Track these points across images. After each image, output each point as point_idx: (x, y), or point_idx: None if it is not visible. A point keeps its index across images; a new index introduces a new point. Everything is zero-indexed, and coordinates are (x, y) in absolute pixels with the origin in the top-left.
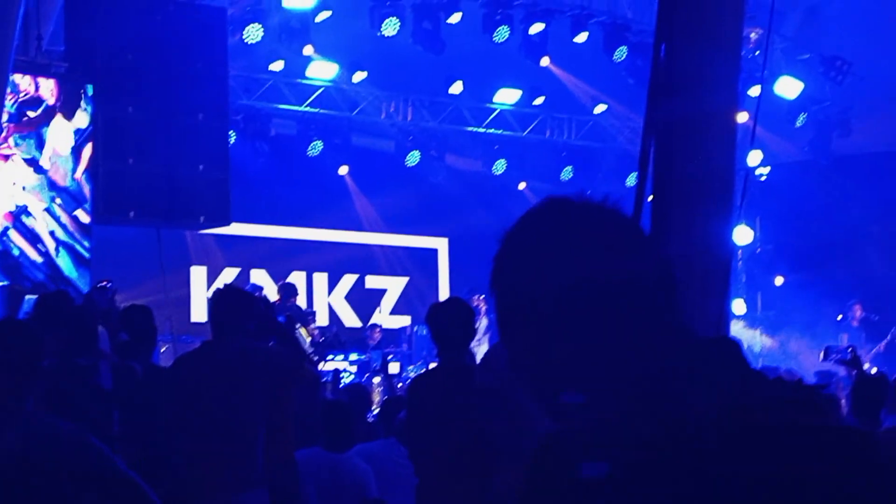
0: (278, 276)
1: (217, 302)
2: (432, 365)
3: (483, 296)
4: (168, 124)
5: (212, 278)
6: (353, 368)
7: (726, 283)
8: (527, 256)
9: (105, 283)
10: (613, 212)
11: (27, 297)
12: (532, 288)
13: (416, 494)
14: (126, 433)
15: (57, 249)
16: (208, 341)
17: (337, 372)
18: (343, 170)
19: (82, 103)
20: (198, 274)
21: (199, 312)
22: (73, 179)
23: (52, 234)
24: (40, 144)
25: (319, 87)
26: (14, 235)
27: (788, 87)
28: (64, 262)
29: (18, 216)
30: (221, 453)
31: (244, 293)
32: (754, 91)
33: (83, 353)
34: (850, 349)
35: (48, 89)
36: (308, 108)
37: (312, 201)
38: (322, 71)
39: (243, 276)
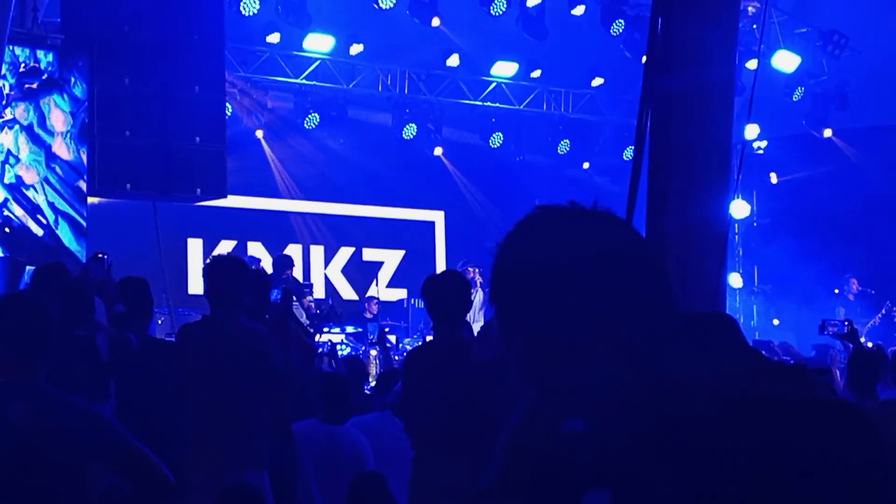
0: (275, 248)
1: (213, 273)
2: (429, 338)
3: (479, 269)
4: (164, 97)
5: (208, 251)
6: (350, 341)
7: (723, 256)
8: (522, 256)
9: (101, 254)
10: (605, 213)
11: (27, 268)
12: (528, 281)
13: (413, 467)
14: (123, 405)
15: (57, 221)
16: (208, 316)
17: (333, 344)
18: (340, 140)
19: (79, 75)
20: (194, 246)
21: (195, 285)
22: (75, 151)
23: (51, 205)
24: (41, 116)
25: (316, 59)
26: (14, 207)
27: (786, 61)
28: (64, 234)
29: (18, 187)
30: (223, 430)
31: (239, 262)
32: (752, 65)
33: (80, 325)
34: (846, 322)
35: (46, 61)
36: (305, 81)
37: (308, 174)
38: (319, 44)
39: (240, 249)
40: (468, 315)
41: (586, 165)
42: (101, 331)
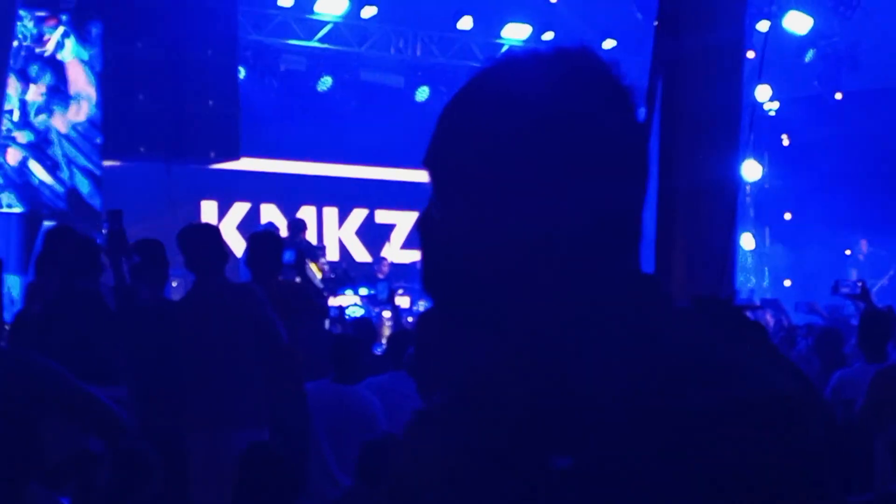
0: (288, 210)
1: (185, 243)
2: None
3: None
4: (177, 60)
5: (222, 213)
6: (363, 304)
7: (733, 217)
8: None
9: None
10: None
11: (45, 223)
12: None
13: None
14: (130, 356)
15: (75, 177)
16: (195, 281)
17: (342, 308)
18: (353, 103)
19: (92, 39)
20: (208, 209)
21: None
22: (95, 108)
23: (72, 161)
24: (62, 76)
25: (328, 22)
26: (34, 165)
27: (797, 22)
28: (84, 188)
29: (39, 144)
30: (217, 390)
31: (206, 227)
32: (763, 26)
33: (85, 279)
34: (859, 283)
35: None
36: (317, 44)
37: (322, 136)
38: (331, 6)
39: (253, 211)
40: None
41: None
42: (106, 284)
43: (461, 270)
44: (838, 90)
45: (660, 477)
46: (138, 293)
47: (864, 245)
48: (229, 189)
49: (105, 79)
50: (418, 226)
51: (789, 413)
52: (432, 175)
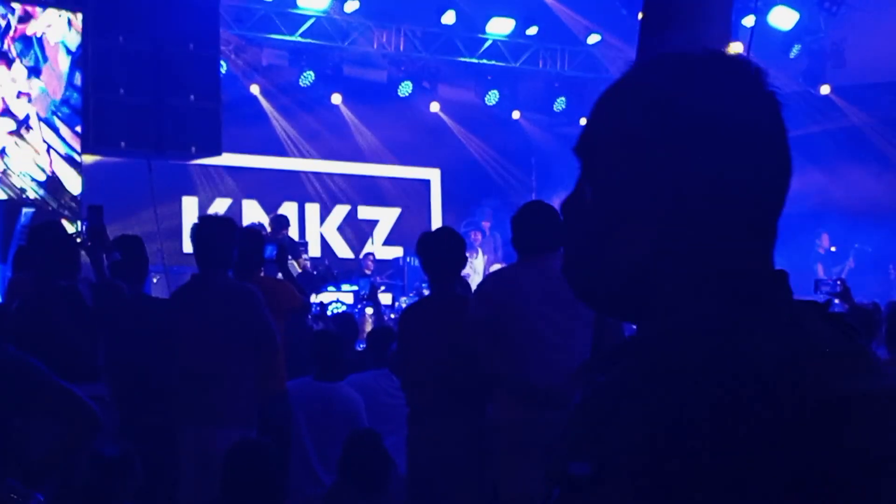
0: (270, 206)
1: (200, 233)
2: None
3: (481, 232)
4: (159, 54)
5: (203, 209)
6: (347, 298)
7: None
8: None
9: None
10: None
11: (24, 210)
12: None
13: (408, 423)
14: (110, 353)
15: (57, 163)
16: (197, 275)
17: (324, 305)
18: (336, 98)
19: (73, 31)
20: (189, 205)
21: (190, 243)
22: (75, 93)
23: (50, 148)
24: (43, 57)
25: (311, 17)
26: (14, 151)
27: (783, 18)
28: (65, 176)
29: (19, 130)
30: (210, 388)
31: (225, 221)
32: (748, 21)
33: (64, 276)
34: (839, 282)
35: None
36: (300, 39)
37: (303, 132)
38: (314, 1)
39: (235, 207)
40: (471, 277)
41: (583, 121)
42: (84, 280)
43: (607, 255)
44: (824, 85)
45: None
46: (121, 290)
47: (825, 239)
48: (211, 185)
49: (86, 72)
50: (564, 210)
51: None
52: (585, 162)
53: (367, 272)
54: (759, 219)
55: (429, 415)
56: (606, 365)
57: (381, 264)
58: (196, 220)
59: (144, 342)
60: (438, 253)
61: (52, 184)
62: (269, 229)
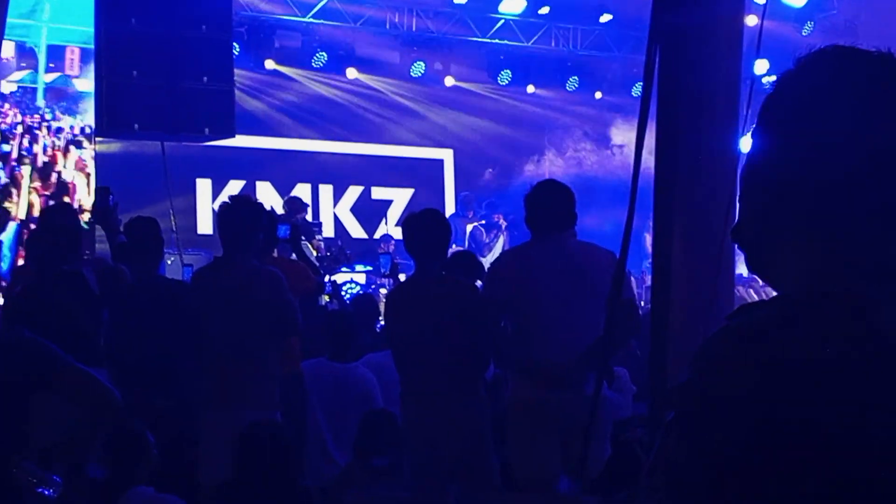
0: (283, 188)
1: (226, 214)
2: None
3: (502, 214)
4: (171, 37)
5: (217, 190)
6: (361, 278)
7: (733, 191)
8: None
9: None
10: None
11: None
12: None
13: (401, 403)
14: (116, 336)
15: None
16: (220, 258)
17: (338, 285)
18: (348, 78)
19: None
20: (203, 186)
21: (204, 224)
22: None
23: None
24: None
25: None
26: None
27: None
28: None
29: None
30: (235, 371)
31: (252, 204)
32: None
33: (69, 261)
34: None
35: None
36: (312, 20)
37: (316, 113)
38: None
39: (248, 189)
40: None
41: (599, 95)
42: (88, 265)
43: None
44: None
45: None
46: (122, 273)
47: None
48: (224, 167)
49: (98, 56)
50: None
51: None
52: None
53: (381, 251)
54: None
55: (420, 394)
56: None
57: (398, 244)
58: (224, 202)
59: (153, 324)
60: (422, 234)
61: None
62: (283, 211)
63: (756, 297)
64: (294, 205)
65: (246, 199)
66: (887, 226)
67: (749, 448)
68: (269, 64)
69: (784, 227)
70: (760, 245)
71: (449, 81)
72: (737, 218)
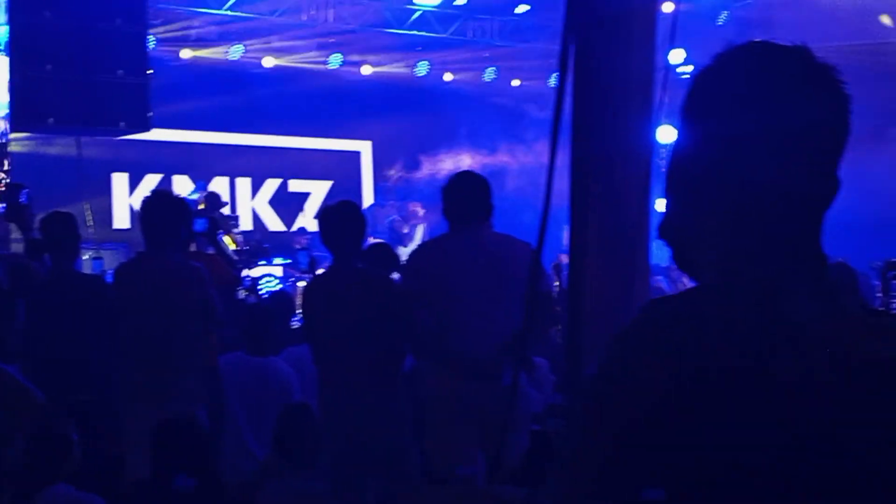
0: (201, 181)
1: (149, 209)
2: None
3: (420, 203)
4: (86, 29)
5: (133, 185)
6: (279, 272)
7: (647, 181)
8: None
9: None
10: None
11: None
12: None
13: (319, 395)
14: (32, 332)
15: None
16: (143, 253)
17: (254, 279)
18: (265, 70)
19: None
20: (119, 180)
21: (120, 219)
22: None
23: None
24: None
25: None
26: None
27: None
28: None
29: None
30: (159, 366)
31: (175, 198)
32: None
33: None
34: None
35: None
36: (228, 12)
37: (233, 105)
38: None
39: (165, 182)
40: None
41: (517, 83)
42: (2, 260)
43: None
44: None
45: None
46: (31, 269)
47: None
48: (141, 161)
49: (12, 49)
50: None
51: None
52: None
53: (299, 247)
54: (824, 193)
55: (338, 387)
56: None
57: (314, 237)
58: (146, 196)
59: (70, 319)
60: (338, 227)
61: None
62: (202, 206)
63: (665, 290)
64: (212, 200)
65: (169, 194)
66: (800, 217)
67: (655, 431)
68: (185, 56)
69: (705, 221)
70: (685, 240)
71: (366, 72)
72: (664, 214)
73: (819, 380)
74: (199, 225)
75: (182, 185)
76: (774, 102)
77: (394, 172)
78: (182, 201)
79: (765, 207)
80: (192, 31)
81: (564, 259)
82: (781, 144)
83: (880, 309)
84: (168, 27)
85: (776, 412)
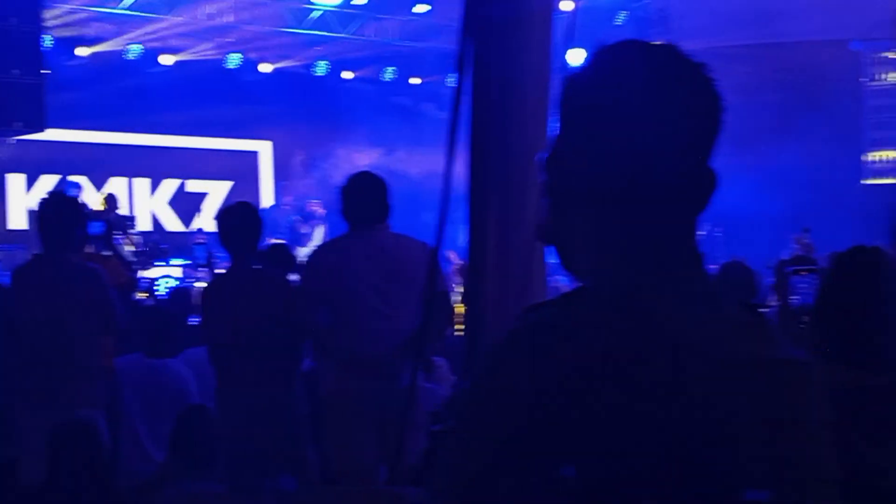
0: (98, 182)
1: (44, 211)
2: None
3: (319, 200)
4: None
5: (30, 186)
6: (177, 272)
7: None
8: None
9: None
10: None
11: None
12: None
13: (216, 395)
14: None
15: None
16: (39, 255)
17: (152, 279)
18: (163, 69)
19: None
20: (14, 182)
21: (16, 220)
22: None
23: None
24: None
25: None
26: None
27: None
28: None
29: None
30: (57, 370)
31: (71, 200)
32: None
33: None
34: None
35: None
36: (126, 11)
37: (131, 105)
38: None
39: (62, 183)
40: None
41: (416, 81)
42: None
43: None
44: None
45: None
46: None
47: None
48: (37, 162)
49: None
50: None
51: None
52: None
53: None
54: (697, 195)
55: (235, 388)
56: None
57: (213, 237)
58: (43, 198)
59: None
60: (235, 228)
61: None
62: (100, 207)
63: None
64: (109, 201)
65: (63, 197)
66: (670, 218)
67: (529, 438)
68: (82, 54)
69: (578, 223)
70: (562, 242)
71: (265, 71)
72: (544, 219)
73: (686, 380)
74: (95, 228)
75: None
76: (641, 102)
77: (294, 172)
78: (77, 203)
79: (632, 210)
80: (90, 31)
81: (452, 256)
82: (647, 144)
83: (759, 308)
84: (65, 26)
85: (644, 415)
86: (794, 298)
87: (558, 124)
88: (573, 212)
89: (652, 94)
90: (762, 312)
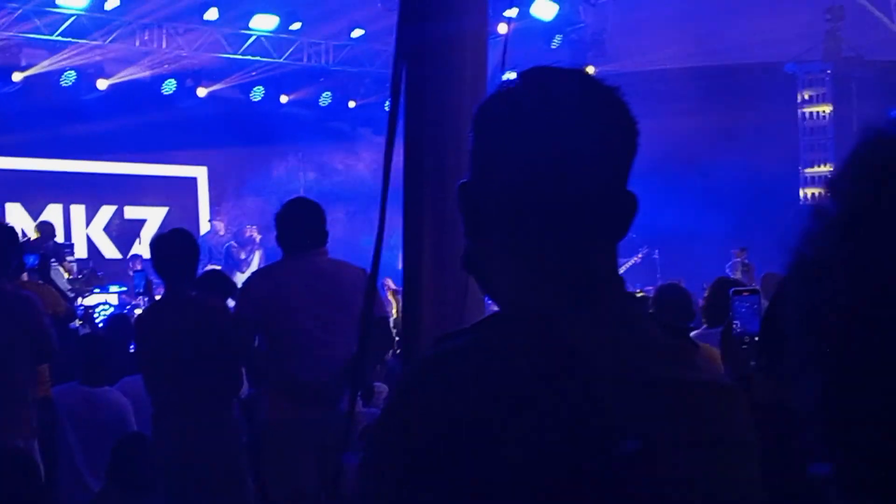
0: (34, 209)
1: None
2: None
3: (255, 226)
4: None
5: None
6: (114, 300)
7: None
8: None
9: None
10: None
11: None
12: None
13: (153, 423)
14: None
15: None
16: None
17: (87, 308)
18: (98, 96)
19: None
20: None
21: None
22: None
23: None
24: None
25: (71, 15)
26: None
27: (544, 9)
28: None
29: None
30: None
31: (7, 228)
32: (511, 12)
33: None
34: None
35: None
36: (60, 38)
37: (66, 131)
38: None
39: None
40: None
41: (352, 104)
42: None
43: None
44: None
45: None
46: None
47: None
48: None
49: None
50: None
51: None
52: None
53: (133, 271)
54: (616, 217)
55: (172, 416)
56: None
57: (150, 264)
58: None
59: None
60: (170, 255)
61: None
62: (35, 236)
63: None
64: (44, 230)
65: (0, 224)
66: (585, 243)
67: (434, 467)
68: (16, 81)
69: (495, 248)
70: (481, 268)
71: (201, 96)
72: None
73: (601, 405)
74: (31, 261)
75: (15, 214)
76: (554, 126)
77: (230, 197)
78: (12, 230)
79: (546, 235)
80: (23, 57)
81: (388, 282)
82: (561, 169)
83: (681, 331)
84: None
85: (555, 442)
86: (736, 323)
87: (472, 151)
88: (490, 237)
89: (564, 118)
90: (687, 335)
